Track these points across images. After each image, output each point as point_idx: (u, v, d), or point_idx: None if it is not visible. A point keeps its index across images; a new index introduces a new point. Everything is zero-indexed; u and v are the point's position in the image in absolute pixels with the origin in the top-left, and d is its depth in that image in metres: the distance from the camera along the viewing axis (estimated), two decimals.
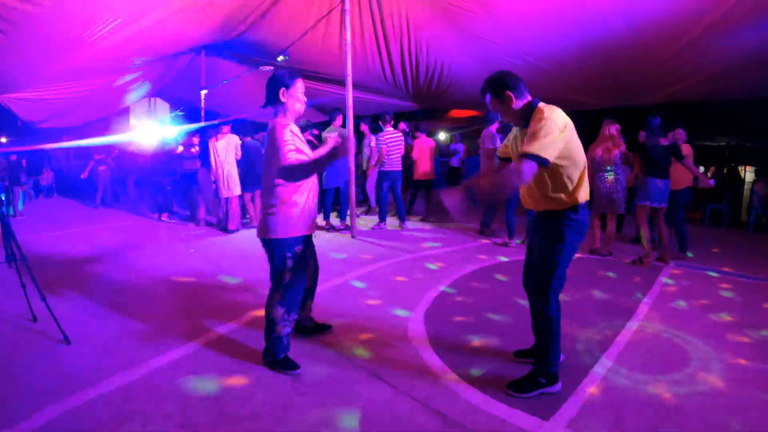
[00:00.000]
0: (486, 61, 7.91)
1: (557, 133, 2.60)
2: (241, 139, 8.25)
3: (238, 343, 3.59)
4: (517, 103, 2.82)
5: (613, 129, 6.30)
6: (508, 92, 2.81)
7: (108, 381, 3.00)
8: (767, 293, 5.15)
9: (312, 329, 3.73)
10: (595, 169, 6.31)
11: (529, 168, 2.55)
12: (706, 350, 3.66)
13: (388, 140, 8.14)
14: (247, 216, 8.61)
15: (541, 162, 2.55)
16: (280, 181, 3.07)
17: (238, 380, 3.05)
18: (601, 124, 6.43)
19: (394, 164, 8.17)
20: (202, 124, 9.11)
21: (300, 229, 3.17)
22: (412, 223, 8.80)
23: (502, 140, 6.44)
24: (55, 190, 13.67)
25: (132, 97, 12.44)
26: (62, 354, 3.38)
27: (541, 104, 2.76)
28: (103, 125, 13.33)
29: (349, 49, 6.27)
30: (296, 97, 3.20)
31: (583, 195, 2.83)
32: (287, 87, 3.16)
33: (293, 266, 3.16)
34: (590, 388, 3.05)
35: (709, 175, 11.94)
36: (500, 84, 2.84)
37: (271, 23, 8.50)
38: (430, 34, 7.93)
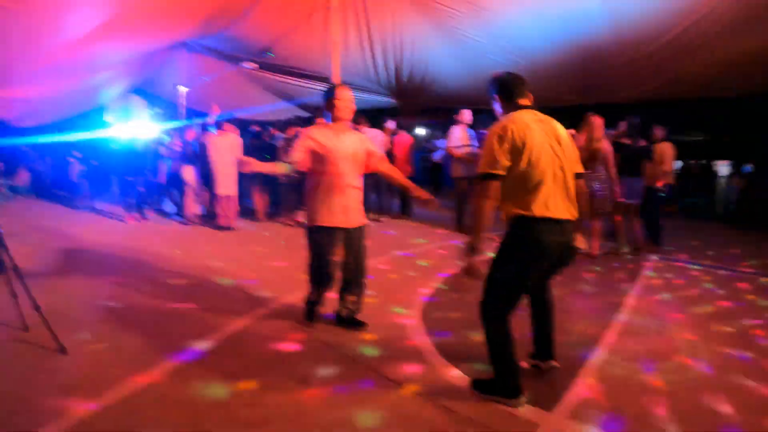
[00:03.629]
0: (469, 58, 8.03)
1: (494, 141, 2.63)
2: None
3: (241, 347, 3.58)
4: (499, 110, 2.88)
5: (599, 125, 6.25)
6: (495, 95, 2.88)
7: (110, 392, 2.88)
8: (744, 284, 5.35)
9: (346, 321, 3.93)
10: None
11: (481, 188, 2.64)
12: (692, 340, 3.81)
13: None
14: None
15: (486, 177, 2.62)
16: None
17: (246, 385, 3.03)
18: (587, 121, 6.26)
19: None
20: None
21: (322, 219, 3.60)
22: (396, 221, 8.89)
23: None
24: (33, 190, 13.31)
25: (108, 94, 12.24)
26: (59, 365, 3.23)
27: (502, 118, 2.78)
28: (79, 123, 13.07)
29: (336, 47, 6.29)
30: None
31: (541, 208, 2.63)
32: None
33: (312, 250, 3.73)
34: (588, 379, 3.16)
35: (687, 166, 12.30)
36: (490, 85, 2.91)
37: (254, 20, 8.46)
38: (415, 32, 8.00)
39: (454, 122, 7.63)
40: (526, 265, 2.71)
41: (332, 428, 2.61)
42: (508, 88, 2.84)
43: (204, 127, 8.56)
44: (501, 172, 2.61)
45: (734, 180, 10.51)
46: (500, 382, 2.84)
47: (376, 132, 8.40)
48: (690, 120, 11.89)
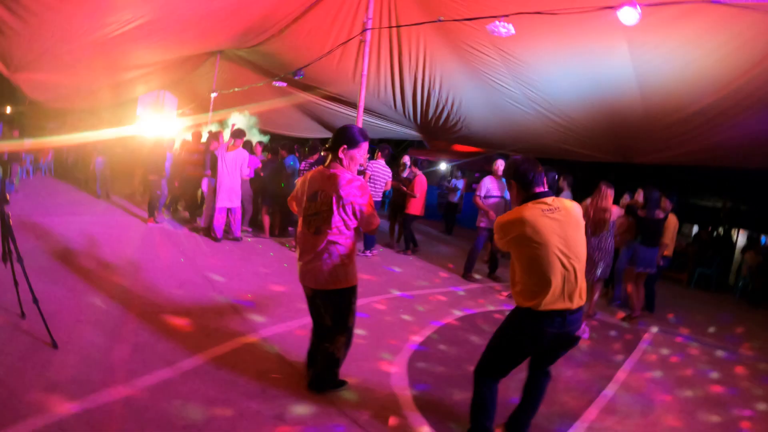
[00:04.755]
0: (496, 105, 8.10)
1: (500, 229, 2.84)
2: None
3: (226, 371, 3.60)
4: (518, 195, 2.91)
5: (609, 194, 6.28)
6: (512, 180, 2.92)
7: (93, 396, 2.98)
8: (741, 368, 5.26)
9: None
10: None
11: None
12: (675, 427, 3.76)
13: (375, 171, 8.41)
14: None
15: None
16: None
17: (222, 411, 3.07)
18: (599, 186, 6.31)
19: (376, 195, 8.35)
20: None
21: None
22: (404, 257, 8.92)
23: None
24: (52, 170, 13.63)
25: (141, 88, 12.51)
26: (49, 359, 3.34)
27: (515, 207, 2.87)
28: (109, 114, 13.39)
29: (364, 80, 6.39)
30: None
31: (544, 302, 2.68)
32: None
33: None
34: None
35: (703, 234, 12.15)
36: (507, 169, 3.01)
37: (289, 39, 8.64)
38: (445, 70, 8.09)
39: (488, 172, 7.62)
40: (521, 347, 2.86)
41: None
42: (524, 176, 2.84)
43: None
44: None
45: (751, 252, 10.30)
46: None
47: (385, 167, 8.53)
48: (711, 185, 11.76)
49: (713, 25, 5.33)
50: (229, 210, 8.02)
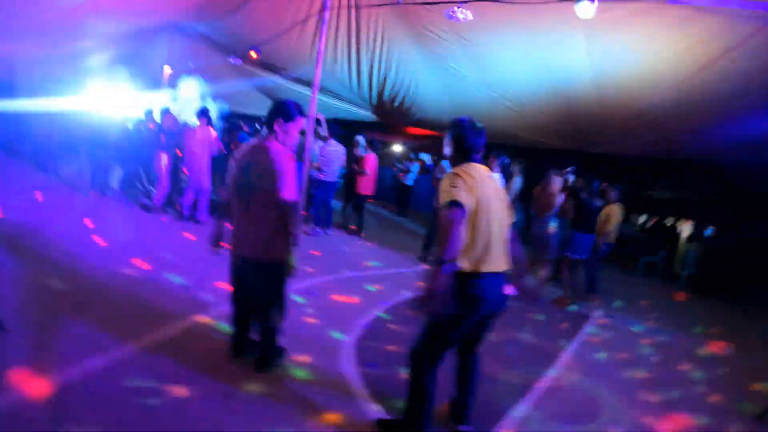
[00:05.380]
0: (451, 88, 8.14)
1: (452, 182, 2.68)
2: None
3: (176, 351, 3.53)
4: (449, 154, 2.93)
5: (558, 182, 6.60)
6: (451, 140, 2.89)
7: (43, 381, 2.89)
8: (683, 353, 5.46)
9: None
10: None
11: (448, 214, 2.58)
12: (617, 405, 3.88)
13: (330, 151, 8.29)
14: None
15: (452, 205, 2.58)
16: None
17: (176, 390, 3.04)
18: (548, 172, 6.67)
19: (332, 175, 8.33)
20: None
21: None
22: (357, 239, 8.90)
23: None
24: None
25: (93, 61, 12.00)
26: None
27: (454, 168, 2.82)
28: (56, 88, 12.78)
29: (321, 58, 6.29)
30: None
31: (481, 264, 2.67)
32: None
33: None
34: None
35: (649, 224, 12.56)
36: (450, 129, 2.92)
37: (247, 15, 8.43)
38: (403, 53, 8.07)
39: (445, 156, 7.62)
40: (458, 318, 2.71)
41: None
42: (466, 140, 2.82)
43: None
44: (465, 203, 2.58)
45: (695, 243, 10.72)
46: (406, 427, 2.86)
47: (339, 147, 8.41)
48: (662, 177, 12.09)
49: (667, 25, 5.49)
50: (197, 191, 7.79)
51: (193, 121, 7.83)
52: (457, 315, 2.69)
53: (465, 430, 3.10)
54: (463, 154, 2.83)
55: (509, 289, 2.88)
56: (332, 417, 3.06)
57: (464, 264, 2.64)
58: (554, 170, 6.55)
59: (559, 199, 6.46)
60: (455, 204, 2.55)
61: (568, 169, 6.79)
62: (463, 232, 2.58)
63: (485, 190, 2.71)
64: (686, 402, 4.16)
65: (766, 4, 4.69)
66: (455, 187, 2.61)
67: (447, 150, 2.92)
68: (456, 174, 2.68)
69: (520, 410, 3.53)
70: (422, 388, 2.80)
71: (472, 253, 2.65)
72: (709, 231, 11.02)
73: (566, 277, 6.78)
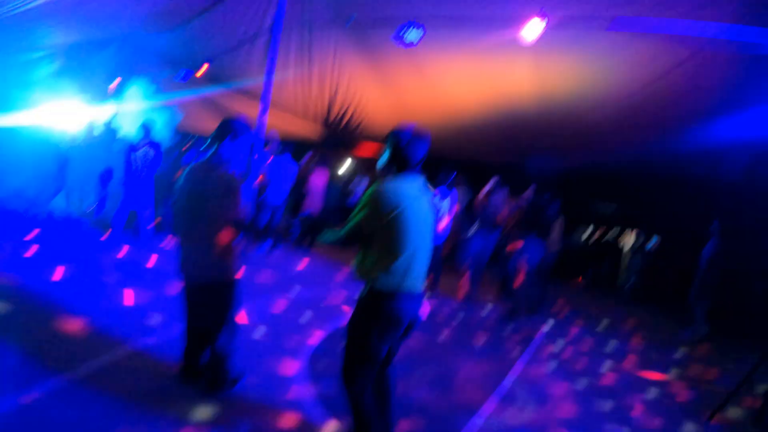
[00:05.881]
0: (398, 103, 8.30)
1: (370, 203, 2.64)
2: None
3: (123, 376, 3.42)
4: (384, 163, 2.81)
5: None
6: (390, 149, 2.76)
7: None
8: (633, 357, 5.67)
9: None
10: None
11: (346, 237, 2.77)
12: (570, 415, 3.97)
13: (277, 168, 8.12)
14: None
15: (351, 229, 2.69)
16: None
17: (123, 417, 2.92)
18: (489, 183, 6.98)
19: (280, 195, 8.22)
20: None
21: None
22: (304, 256, 8.79)
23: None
24: None
25: (40, 73, 11.52)
26: None
27: (387, 179, 2.73)
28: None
29: (272, 75, 6.25)
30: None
31: (406, 284, 2.65)
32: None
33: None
34: None
35: (594, 237, 12.96)
36: (392, 137, 2.76)
37: (197, 28, 8.31)
38: (354, 69, 8.15)
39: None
40: (384, 336, 2.69)
41: None
42: (405, 149, 2.69)
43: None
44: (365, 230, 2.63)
45: (638, 253, 11.12)
46: None
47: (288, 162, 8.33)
48: (606, 189, 12.42)
49: (608, 49, 5.77)
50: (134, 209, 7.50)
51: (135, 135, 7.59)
52: (378, 333, 2.67)
53: None
54: (400, 165, 2.71)
55: (425, 308, 2.87)
56: None
57: (385, 282, 2.62)
58: (495, 180, 6.90)
59: (503, 210, 6.76)
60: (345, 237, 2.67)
61: (492, 180, 7.05)
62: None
63: (416, 208, 2.66)
64: (642, 405, 4.30)
65: (701, 30, 5.01)
66: (364, 211, 2.62)
67: (381, 161, 2.80)
68: (378, 192, 2.61)
69: (474, 424, 3.56)
70: (359, 405, 2.78)
71: (393, 272, 2.61)
72: (651, 244, 11.46)
73: (519, 288, 6.81)
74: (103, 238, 7.36)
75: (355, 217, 2.64)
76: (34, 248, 6.06)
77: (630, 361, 5.58)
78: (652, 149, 7.50)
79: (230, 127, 3.19)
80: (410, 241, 2.61)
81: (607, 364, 5.36)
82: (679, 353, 6.05)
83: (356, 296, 2.76)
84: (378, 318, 2.65)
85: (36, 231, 7.00)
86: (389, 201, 2.58)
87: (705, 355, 6.37)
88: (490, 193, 6.89)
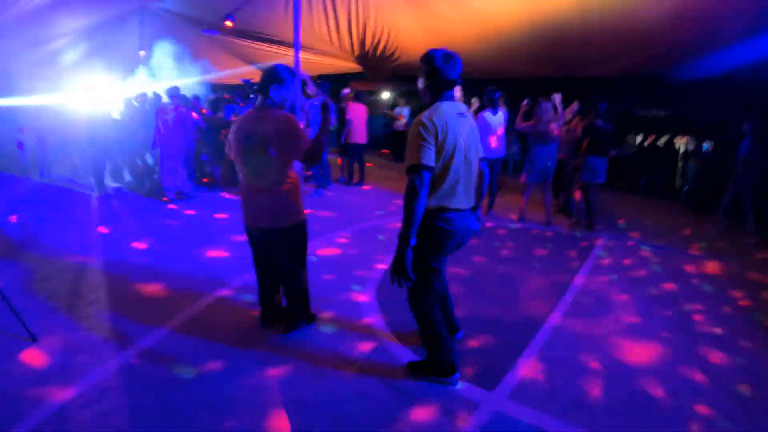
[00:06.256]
0: (432, 30, 8.06)
1: (421, 134, 2.63)
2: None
3: (206, 328, 3.65)
4: (423, 89, 2.84)
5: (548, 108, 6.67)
6: (425, 76, 2.79)
7: (83, 378, 2.98)
8: (691, 267, 5.55)
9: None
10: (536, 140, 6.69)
11: (414, 181, 2.62)
12: (634, 323, 4.02)
13: (318, 109, 8.05)
14: None
15: (418, 169, 2.61)
16: None
17: (212, 365, 3.16)
18: (538, 102, 6.72)
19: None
20: None
21: None
22: (356, 189, 9.08)
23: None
24: None
25: (68, 57, 11.75)
26: (31, 353, 3.27)
27: (428, 109, 2.73)
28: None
29: (298, 15, 6.16)
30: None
31: (453, 201, 2.76)
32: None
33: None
34: (529, 360, 3.35)
35: (646, 144, 12.52)
36: (424, 63, 2.79)
37: None
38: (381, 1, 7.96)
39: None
40: (436, 252, 2.86)
41: (289, 408, 2.75)
42: (438, 74, 2.73)
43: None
44: (433, 165, 2.63)
45: (694, 159, 10.69)
46: (434, 363, 3.02)
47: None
48: (655, 96, 11.94)
49: None
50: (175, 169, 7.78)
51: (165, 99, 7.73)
52: (431, 250, 2.82)
53: (461, 336, 3.49)
54: (435, 90, 2.77)
55: (481, 223, 3.03)
56: (365, 365, 3.20)
57: (433, 202, 2.72)
58: (543, 98, 6.63)
59: (554, 125, 6.57)
60: (423, 169, 2.59)
61: (554, 95, 6.82)
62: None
63: (459, 129, 2.71)
64: (700, 314, 4.26)
65: None
66: (423, 145, 2.60)
67: (420, 85, 2.83)
68: (424, 124, 2.63)
69: (541, 337, 3.68)
70: (428, 321, 2.97)
71: (440, 192, 2.72)
72: (706, 146, 10.99)
73: (582, 203, 6.87)
74: (162, 201, 7.69)
75: (413, 153, 2.63)
76: (104, 227, 6.38)
77: (689, 270, 5.48)
78: (704, 50, 7.04)
79: (276, 73, 3.21)
80: (455, 160, 2.68)
81: (666, 274, 5.30)
82: (738, 260, 5.87)
83: None
84: (430, 236, 2.77)
85: (101, 209, 7.36)
86: (434, 129, 2.62)
87: (764, 261, 6.18)
88: (543, 110, 6.67)
